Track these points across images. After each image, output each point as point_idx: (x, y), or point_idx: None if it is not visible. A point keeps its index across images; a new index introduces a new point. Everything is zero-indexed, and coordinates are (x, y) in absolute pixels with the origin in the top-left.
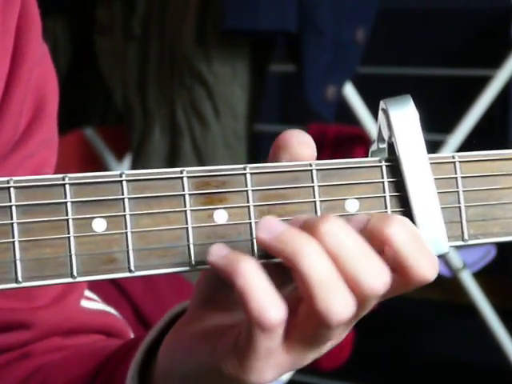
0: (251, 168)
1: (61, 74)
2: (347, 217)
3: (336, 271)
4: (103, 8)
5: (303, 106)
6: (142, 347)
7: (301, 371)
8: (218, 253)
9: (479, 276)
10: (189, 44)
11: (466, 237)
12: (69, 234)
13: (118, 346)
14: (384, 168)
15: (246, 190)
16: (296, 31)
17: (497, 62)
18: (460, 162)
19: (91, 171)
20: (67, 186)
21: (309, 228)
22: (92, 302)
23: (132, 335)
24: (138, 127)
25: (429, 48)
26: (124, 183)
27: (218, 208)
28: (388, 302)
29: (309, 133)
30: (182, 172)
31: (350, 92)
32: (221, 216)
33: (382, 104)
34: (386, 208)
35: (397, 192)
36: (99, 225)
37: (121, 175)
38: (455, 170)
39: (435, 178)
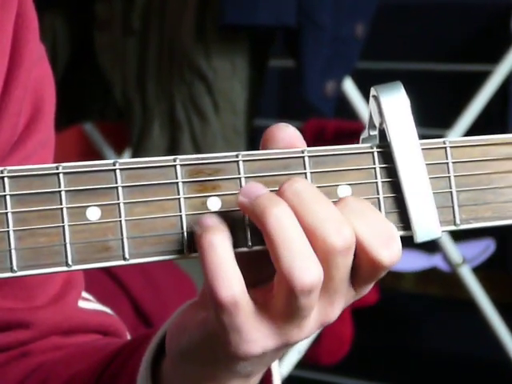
0: (244, 155)
1: (60, 69)
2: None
3: (302, 234)
4: (102, 3)
5: (303, 101)
6: (156, 336)
7: (300, 367)
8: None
9: (478, 271)
10: (188, 39)
11: (457, 221)
12: (63, 222)
13: (128, 341)
14: (376, 154)
15: (239, 178)
16: (295, 26)
17: (496, 58)
18: (451, 147)
19: None
20: (61, 175)
21: (279, 191)
22: (88, 303)
23: (128, 335)
24: (137, 122)
25: (428, 43)
26: (118, 172)
27: (211, 195)
28: (387, 297)
29: (308, 128)
30: (175, 160)
31: (350, 87)
32: (214, 203)
33: (372, 91)
34: (378, 194)
35: (389, 178)
36: (93, 213)
37: (114, 164)
38: (446, 156)
39: (427, 164)
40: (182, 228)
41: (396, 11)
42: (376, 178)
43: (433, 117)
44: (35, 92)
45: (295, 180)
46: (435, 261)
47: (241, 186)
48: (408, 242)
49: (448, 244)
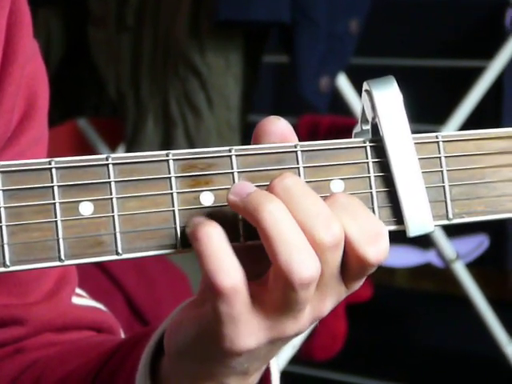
0: (236, 150)
1: (54, 65)
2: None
3: (297, 228)
4: None
5: (297, 96)
6: (155, 334)
7: (294, 362)
8: None
9: (472, 267)
10: (182, 35)
11: (450, 216)
12: (56, 217)
13: (126, 338)
14: (368, 148)
15: (232, 172)
16: (290, 22)
17: (490, 54)
18: (443, 141)
19: None
20: (54, 170)
21: (270, 188)
22: (81, 299)
23: (122, 332)
24: (131, 118)
25: (422, 39)
26: (110, 166)
27: (204, 190)
28: (381, 293)
29: (302, 124)
30: (167, 155)
31: (344, 83)
32: (207, 198)
33: (365, 85)
34: (370, 188)
35: (381, 172)
36: (86, 208)
37: (107, 159)
38: (439, 150)
39: (419, 158)
40: (175, 223)
41: (390, 7)
42: (369, 173)
43: (427, 112)
44: (29, 88)
45: (285, 176)
46: (429, 257)
47: (234, 181)
48: (402, 237)
49: (442, 240)
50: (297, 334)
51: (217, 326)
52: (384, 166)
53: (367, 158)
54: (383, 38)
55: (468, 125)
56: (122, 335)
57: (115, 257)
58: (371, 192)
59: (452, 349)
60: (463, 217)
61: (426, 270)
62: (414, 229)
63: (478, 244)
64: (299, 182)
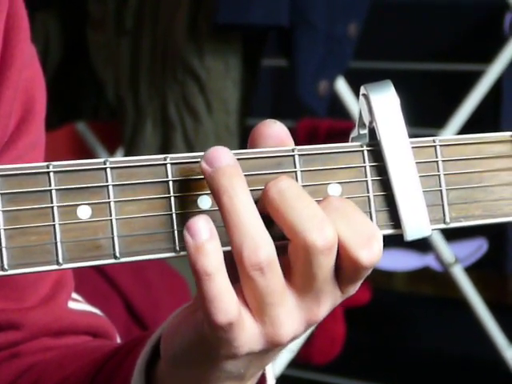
0: (234, 154)
1: (53, 68)
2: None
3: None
4: (95, 2)
5: (295, 100)
6: (150, 339)
7: (293, 366)
8: None
9: (471, 270)
10: (181, 38)
11: (447, 220)
12: (54, 221)
13: (122, 343)
14: (366, 153)
15: None
16: (288, 26)
17: (489, 57)
18: (441, 145)
19: None
20: (51, 174)
21: (264, 190)
22: (77, 303)
23: (118, 337)
24: (130, 121)
25: (421, 43)
26: (108, 170)
27: (202, 194)
28: (380, 297)
29: (301, 127)
30: (165, 159)
31: (342, 87)
32: (205, 202)
33: (362, 89)
34: (368, 192)
35: (379, 176)
36: (84, 212)
37: (105, 163)
38: (436, 154)
39: (417, 162)
40: (173, 226)
41: (389, 11)
42: (366, 177)
43: (426, 116)
44: (26, 93)
45: (280, 179)
46: (428, 260)
47: None
48: (400, 241)
49: (440, 243)
50: (293, 339)
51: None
52: (381, 170)
53: (364, 162)
54: (382, 41)
55: (466, 129)
56: (118, 340)
57: (113, 260)
58: (368, 196)
59: (451, 352)
60: (460, 221)
61: (424, 273)
62: (411, 233)
63: (476, 247)
64: (293, 185)
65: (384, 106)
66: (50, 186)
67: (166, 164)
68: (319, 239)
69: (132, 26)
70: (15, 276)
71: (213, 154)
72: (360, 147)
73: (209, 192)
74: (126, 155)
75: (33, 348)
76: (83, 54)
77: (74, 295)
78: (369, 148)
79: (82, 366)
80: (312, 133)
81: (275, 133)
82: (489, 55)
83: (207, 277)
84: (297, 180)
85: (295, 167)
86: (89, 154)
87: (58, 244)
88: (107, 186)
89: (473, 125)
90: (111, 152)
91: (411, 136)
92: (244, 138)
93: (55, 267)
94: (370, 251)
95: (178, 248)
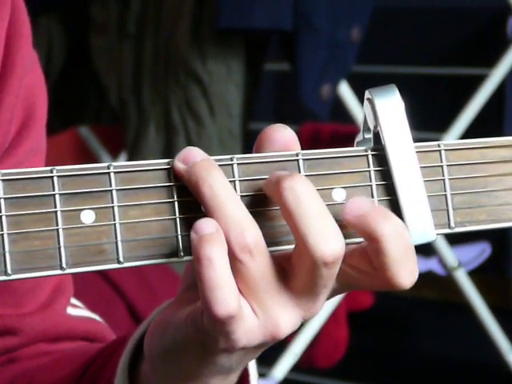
0: (238, 158)
1: (56, 73)
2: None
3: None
4: (98, 6)
5: (298, 104)
6: (132, 338)
7: (296, 370)
8: None
9: (474, 274)
10: (184, 42)
11: (452, 224)
12: (57, 226)
13: (106, 344)
14: (370, 157)
15: (234, 181)
16: (291, 30)
17: (492, 61)
18: (446, 150)
19: None
20: (55, 179)
21: (276, 181)
22: (77, 309)
23: None
24: (132, 126)
25: (424, 47)
26: (112, 175)
27: None
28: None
29: (304, 131)
30: (169, 163)
31: (345, 91)
32: None
33: (367, 94)
34: (372, 197)
35: (383, 181)
36: (88, 216)
37: (108, 167)
38: (441, 159)
39: (421, 167)
40: (177, 231)
41: (391, 15)
42: (370, 181)
43: (429, 120)
44: (27, 99)
45: (295, 178)
46: (431, 264)
47: (235, 190)
48: None
49: (444, 247)
50: (284, 335)
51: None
52: (386, 175)
53: (369, 167)
54: (385, 45)
55: (470, 133)
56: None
57: (117, 265)
58: (373, 201)
59: (454, 356)
60: (465, 225)
61: (427, 277)
62: (415, 238)
63: (479, 252)
64: (309, 189)
65: (389, 110)
66: (53, 190)
67: (169, 168)
68: (327, 253)
69: (135, 30)
70: (15, 281)
71: (186, 153)
72: (364, 152)
73: None
74: (128, 159)
75: (29, 353)
76: (86, 59)
77: (74, 301)
78: (373, 152)
79: (70, 369)
80: (315, 137)
81: (283, 138)
82: (492, 59)
83: (208, 262)
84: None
85: (299, 172)
86: (92, 158)
87: (62, 249)
88: (111, 190)
89: (476, 129)
90: (114, 156)
91: (415, 140)
92: (247, 142)
93: (59, 272)
94: (412, 273)
95: (181, 253)
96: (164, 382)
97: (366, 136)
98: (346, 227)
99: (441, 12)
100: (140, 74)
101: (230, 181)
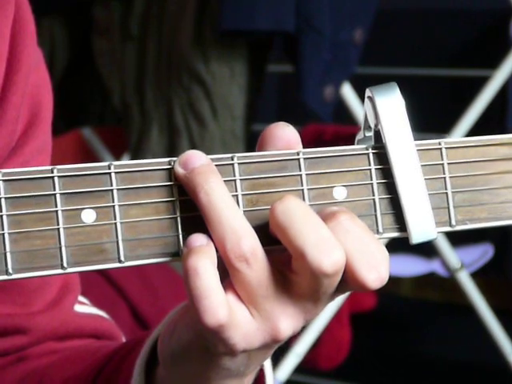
0: (239, 157)
1: (59, 74)
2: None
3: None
4: (101, 8)
5: (301, 105)
6: (147, 342)
7: (299, 371)
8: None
9: (477, 276)
10: (186, 44)
11: (453, 222)
12: (58, 225)
13: (121, 344)
14: (371, 155)
15: (234, 180)
16: (294, 31)
17: (495, 63)
18: (446, 148)
19: None
20: (56, 178)
21: (271, 211)
22: (84, 306)
23: (124, 339)
24: (135, 127)
25: (427, 48)
26: (112, 174)
27: None
28: (385, 302)
29: (307, 133)
30: (170, 163)
31: (348, 92)
32: None
33: (367, 92)
34: (373, 195)
35: (384, 179)
36: (88, 216)
37: (109, 167)
38: (442, 156)
39: (422, 165)
40: (178, 230)
41: (394, 17)
42: (371, 180)
43: (432, 122)
44: (32, 98)
45: (285, 199)
46: (433, 266)
47: (236, 189)
48: (406, 246)
49: (446, 249)
50: (286, 337)
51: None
52: (387, 173)
53: (370, 165)
54: (388, 47)
55: (473, 134)
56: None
57: (118, 264)
58: (374, 199)
59: (456, 358)
60: (466, 223)
61: (430, 279)
62: (416, 236)
63: (482, 253)
64: (300, 206)
65: (389, 108)
66: (54, 190)
67: (170, 168)
68: (327, 265)
69: (137, 32)
70: (22, 281)
71: (186, 157)
72: (365, 150)
73: None
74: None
75: (38, 352)
76: (89, 60)
77: (81, 298)
78: (374, 151)
79: (83, 368)
80: (317, 138)
81: (286, 136)
82: (495, 61)
83: (195, 272)
84: (302, 183)
85: (300, 170)
86: (94, 159)
87: (63, 248)
88: (111, 189)
89: (479, 130)
90: (117, 157)
91: (415, 139)
92: (249, 144)
93: (60, 271)
94: (378, 275)
95: (182, 252)
96: None
97: (367, 134)
98: None
99: (444, 14)
100: (143, 75)
101: (231, 180)
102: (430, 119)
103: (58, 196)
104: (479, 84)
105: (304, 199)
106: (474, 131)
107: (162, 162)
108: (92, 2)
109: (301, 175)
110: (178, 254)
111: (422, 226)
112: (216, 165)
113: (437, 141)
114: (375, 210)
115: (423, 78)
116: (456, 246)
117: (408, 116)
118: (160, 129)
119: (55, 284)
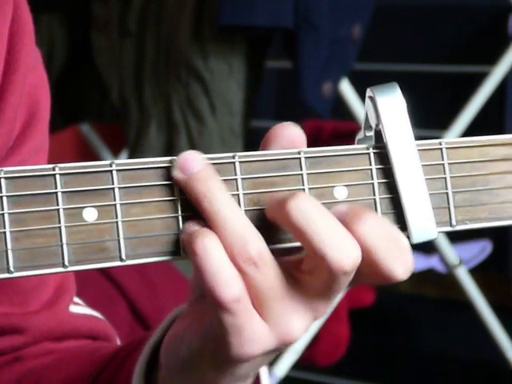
0: (240, 156)
1: (57, 71)
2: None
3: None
4: (99, 4)
5: (300, 102)
6: (148, 344)
7: (297, 368)
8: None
9: (475, 272)
10: (185, 40)
11: (453, 222)
12: (60, 223)
13: (121, 346)
14: (372, 155)
15: (236, 179)
16: (292, 27)
17: (493, 59)
18: (447, 148)
19: None
20: (58, 176)
21: (279, 204)
22: (78, 307)
23: (118, 340)
24: (134, 123)
25: (425, 45)
26: (114, 173)
27: None
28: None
29: (305, 129)
30: (171, 162)
31: (347, 88)
32: None
33: (368, 92)
34: (374, 195)
35: (385, 179)
36: (90, 214)
37: (111, 165)
38: (442, 156)
39: (423, 165)
40: (179, 229)
41: (393, 13)
42: (372, 179)
43: (430, 118)
44: (30, 97)
45: (299, 197)
46: (432, 262)
47: (237, 188)
48: None
49: (445, 245)
50: (298, 337)
51: (223, 336)
52: (387, 173)
53: (371, 165)
54: (386, 43)
55: (471, 130)
56: (118, 343)
57: (119, 263)
58: (374, 198)
59: (455, 354)
60: (466, 223)
61: (429, 275)
62: (417, 235)
63: (481, 249)
64: (315, 205)
65: (390, 108)
66: (55, 188)
67: (171, 167)
68: (348, 263)
69: (136, 28)
70: (19, 280)
71: (184, 160)
72: (366, 149)
73: None
74: (130, 157)
75: (35, 352)
76: (87, 57)
77: (75, 299)
78: (375, 150)
79: (80, 369)
80: (316, 135)
81: (291, 135)
82: (493, 57)
83: (204, 251)
84: (303, 183)
85: (301, 170)
86: (93, 155)
87: (64, 246)
88: (113, 188)
89: (477, 126)
90: (115, 154)
91: (416, 137)
92: (248, 140)
93: (61, 269)
94: (405, 266)
95: (183, 251)
96: None
97: (368, 134)
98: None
99: (442, 10)
100: (141, 71)
101: (232, 179)
102: (429, 115)
103: (59, 194)
104: (478, 80)
105: None
106: (473, 127)
107: (164, 160)
108: None
109: (302, 174)
110: (180, 253)
111: (423, 226)
112: (217, 163)
113: (437, 141)
114: (376, 210)
115: (421, 74)
116: (454, 243)
117: (407, 113)
118: (158, 125)
119: (51, 284)
